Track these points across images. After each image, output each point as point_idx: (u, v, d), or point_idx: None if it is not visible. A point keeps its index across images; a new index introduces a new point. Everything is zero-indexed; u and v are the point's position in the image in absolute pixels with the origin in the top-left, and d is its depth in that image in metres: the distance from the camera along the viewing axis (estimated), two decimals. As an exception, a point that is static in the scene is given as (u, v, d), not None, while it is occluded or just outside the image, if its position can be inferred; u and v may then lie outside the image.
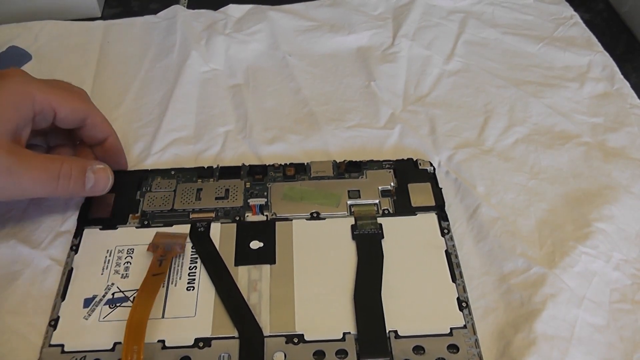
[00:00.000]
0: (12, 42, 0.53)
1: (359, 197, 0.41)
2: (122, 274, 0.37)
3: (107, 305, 0.35)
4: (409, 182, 0.42)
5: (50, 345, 0.33)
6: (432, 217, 0.40)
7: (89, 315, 0.35)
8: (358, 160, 0.44)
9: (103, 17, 0.63)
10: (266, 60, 0.54)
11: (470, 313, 0.35)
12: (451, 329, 0.34)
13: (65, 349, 0.33)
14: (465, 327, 0.34)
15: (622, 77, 0.52)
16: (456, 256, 0.38)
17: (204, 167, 0.43)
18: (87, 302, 0.35)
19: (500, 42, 0.56)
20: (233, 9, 0.59)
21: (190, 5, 0.64)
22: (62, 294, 0.36)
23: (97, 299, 0.35)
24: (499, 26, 0.57)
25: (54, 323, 0.34)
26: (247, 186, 0.42)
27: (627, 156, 0.45)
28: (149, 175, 0.43)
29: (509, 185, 0.43)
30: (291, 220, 0.40)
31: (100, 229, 0.39)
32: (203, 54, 0.54)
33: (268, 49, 0.56)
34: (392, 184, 0.42)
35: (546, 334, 0.35)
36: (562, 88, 0.51)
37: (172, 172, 0.43)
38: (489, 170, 0.44)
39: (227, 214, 0.40)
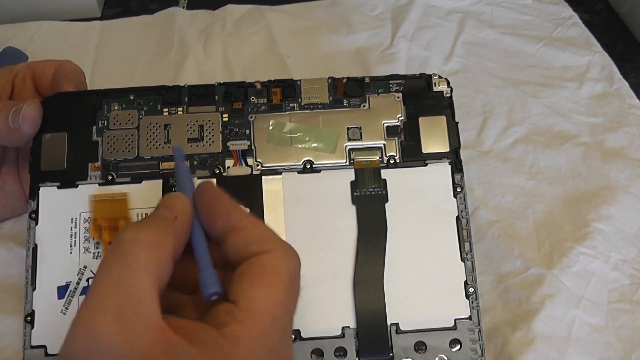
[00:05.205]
0: (8, 42, 0.53)
1: (360, 137, 0.35)
2: (94, 254, 0.34)
3: (84, 296, 0.34)
4: (421, 113, 0.36)
5: (32, 347, 0.32)
6: (445, 168, 0.35)
7: (67, 308, 0.33)
8: (360, 76, 0.37)
9: (103, 18, 0.63)
10: (264, 61, 0.54)
11: (477, 298, 0.33)
12: (455, 320, 0.33)
13: (49, 352, 0.32)
14: (470, 318, 0.33)
15: (620, 77, 0.52)
16: (467, 222, 0.34)
17: (168, 87, 0.36)
18: (62, 292, 0.33)
19: (499, 43, 0.56)
20: (231, 10, 0.59)
21: (190, 6, 0.63)
22: (32, 280, 0.33)
23: (71, 288, 0.33)
24: (497, 26, 0.57)
25: (30, 319, 0.33)
26: (224, 119, 0.36)
27: (626, 156, 0.45)
28: (103, 101, 0.36)
29: (507, 188, 0.43)
30: (280, 173, 0.35)
31: (58, 187, 0.35)
32: (201, 54, 0.54)
33: (266, 49, 0.55)
34: (400, 116, 0.36)
35: (544, 334, 0.35)
36: (560, 88, 0.51)
37: (132, 97, 0.36)
38: (486, 173, 0.44)
39: (204, 163, 0.35)
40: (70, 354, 0.22)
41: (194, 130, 0.36)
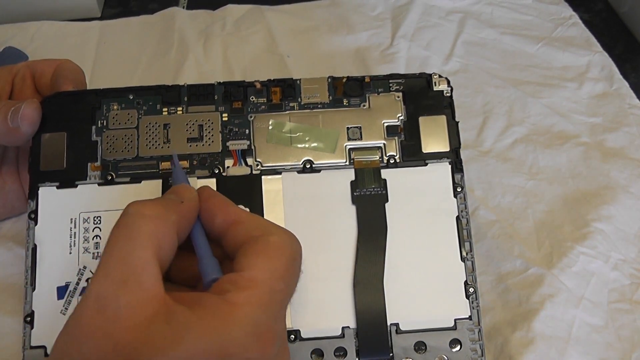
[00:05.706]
0: (8, 42, 0.53)
1: (360, 137, 0.35)
2: (93, 254, 0.34)
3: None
4: (421, 113, 0.36)
5: (32, 347, 0.32)
6: (445, 168, 0.35)
7: (66, 309, 0.33)
8: (360, 75, 0.36)
9: (103, 18, 0.63)
10: (264, 61, 0.54)
11: (477, 298, 0.33)
12: (455, 320, 0.33)
13: (49, 352, 0.32)
14: (470, 318, 0.33)
15: (620, 77, 0.52)
16: (468, 222, 0.34)
17: (167, 87, 0.36)
18: (61, 292, 0.33)
19: (499, 42, 0.56)
20: (231, 10, 0.59)
21: (190, 6, 0.63)
22: (32, 280, 0.33)
23: (71, 288, 0.33)
24: (497, 26, 0.57)
25: (29, 319, 0.32)
26: (224, 119, 0.36)
27: (626, 156, 0.45)
28: (103, 100, 0.36)
29: (507, 188, 0.43)
30: (280, 173, 0.35)
31: (58, 187, 0.34)
32: (201, 54, 0.54)
33: (266, 49, 0.55)
34: (400, 115, 0.36)
35: (544, 334, 0.35)
36: (560, 88, 0.51)
37: (131, 97, 0.36)
38: (486, 173, 0.44)
39: (204, 163, 0.35)
40: (78, 317, 0.23)
41: (193, 130, 0.35)
